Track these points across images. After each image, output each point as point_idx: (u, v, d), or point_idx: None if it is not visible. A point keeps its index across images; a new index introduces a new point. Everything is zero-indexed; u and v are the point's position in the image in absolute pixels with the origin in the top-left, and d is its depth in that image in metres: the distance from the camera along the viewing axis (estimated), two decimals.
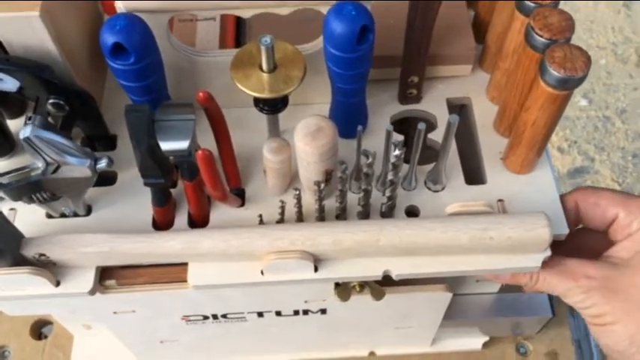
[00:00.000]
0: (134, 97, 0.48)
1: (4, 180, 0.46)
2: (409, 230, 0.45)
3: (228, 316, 0.55)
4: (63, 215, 0.51)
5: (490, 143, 0.54)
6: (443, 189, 0.51)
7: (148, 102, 0.48)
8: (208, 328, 0.57)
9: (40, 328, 0.72)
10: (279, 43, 0.47)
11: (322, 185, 0.46)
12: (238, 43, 0.59)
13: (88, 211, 0.51)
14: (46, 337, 0.70)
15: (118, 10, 0.46)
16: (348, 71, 0.46)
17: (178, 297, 0.51)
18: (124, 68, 0.44)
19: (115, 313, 0.53)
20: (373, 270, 0.47)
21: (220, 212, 0.51)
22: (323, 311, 0.56)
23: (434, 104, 0.57)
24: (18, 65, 0.46)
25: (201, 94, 0.44)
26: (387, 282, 0.50)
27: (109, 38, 0.43)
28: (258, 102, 0.49)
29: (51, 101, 0.48)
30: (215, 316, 0.55)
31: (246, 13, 0.47)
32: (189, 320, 0.56)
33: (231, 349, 0.64)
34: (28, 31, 0.46)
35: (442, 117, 0.56)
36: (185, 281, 0.48)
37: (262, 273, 0.47)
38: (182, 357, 0.66)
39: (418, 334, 0.65)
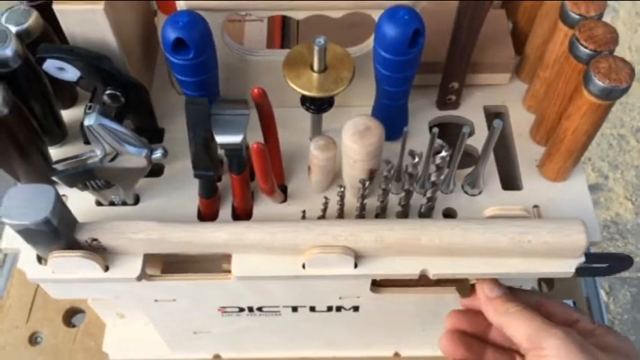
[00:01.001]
0: (188, 91, 0.49)
1: (60, 167, 0.48)
2: (450, 230, 0.47)
3: (263, 309, 0.57)
4: (112, 203, 0.52)
5: (526, 151, 0.56)
6: (480, 193, 0.53)
7: (201, 97, 0.49)
8: (242, 320, 0.59)
9: (71, 316, 0.73)
10: (330, 45, 0.48)
11: (367, 183, 0.47)
12: (284, 44, 0.61)
13: (136, 200, 0.52)
14: (74, 326, 0.72)
15: (179, 7, 0.48)
16: (397, 74, 0.48)
17: (219, 287, 0.52)
18: (183, 63, 0.46)
19: (156, 301, 0.54)
20: (411, 268, 0.49)
21: (263, 207, 0.52)
22: (355, 308, 0.57)
23: (471, 111, 0.58)
24: (80, 56, 0.47)
25: (255, 90, 0.45)
26: (421, 282, 0.51)
27: (171, 33, 0.44)
28: (305, 101, 0.51)
29: (108, 92, 0.49)
30: (251, 309, 0.57)
31: (299, 15, 0.49)
32: (226, 312, 0.57)
33: (260, 343, 0.66)
34: (91, 23, 0.48)
35: (479, 124, 0.57)
36: (228, 272, 0.50)
37: (304, 267, 0.48)
38: (213, 348, 0.67)
39: None
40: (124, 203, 0.52)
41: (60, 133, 0.55)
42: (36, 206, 0.43)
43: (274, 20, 0.61)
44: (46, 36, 0.51)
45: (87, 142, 0.55)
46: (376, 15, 0.49)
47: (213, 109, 0.45)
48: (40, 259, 0.49)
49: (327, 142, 0.48)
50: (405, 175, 0.48)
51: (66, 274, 0.48)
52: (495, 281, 0.49)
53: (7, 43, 0.45)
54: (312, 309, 0.57)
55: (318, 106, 0.51)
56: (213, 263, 0.53)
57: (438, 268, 0.48)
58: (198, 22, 0.45)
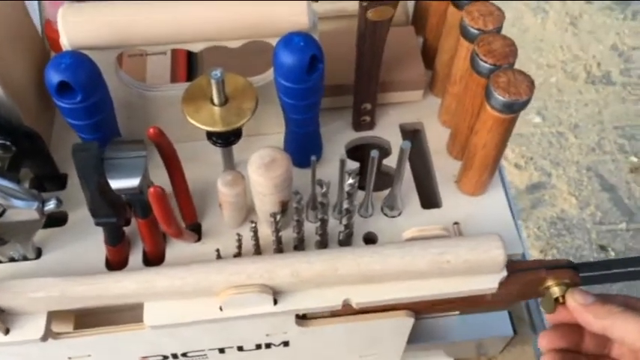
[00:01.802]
0: (83, 135, 0.47)
1: None
2: (367, 257, 0.45)
3: (188, 354, 0.54)
4: (12, 260, 0.49)
5: (444, 167, 0.55)
6: (399, 214, 0.52)
7: (97, 139, 0.47)
8: None
9: None
10: (229, 76, 0.47)
11: (278, 216, 0.45)
12: (190, 76, 0.59)
13: (38, 254, 0.49)
14: None
15: (63, 48, 0.45)
16: (300, 101, 0.46)
17: (137, 338, 0.49)
18: (70, 107, 0.43)
19: (69, 358, 0.51)
20: (333, 299, 0.47)
21: (176, 248, 0.50)
22: (285, 344, 0.55)
23: (388, 130, 0.57)
24: None
25: (151, 129, 0.43)
26: (349, 310, 0.50)
27: (54, 77, 0.42)
28: (211, 135, 0.49)
29: None
30: (175, 356, 0.54)
31: (195, 47, 0.47)
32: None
33: None
34: None
35: (396, 143, 0.56)
36: (139, 322, 0.47)
37: (221, 309, 0.46)
38: None
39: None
40: (25, 258, 0.49)
41: None
42: None
43: (178, 53, 0.59)
44: None
45: None
46: (274, 42, 0.47)
47: (107, 153, 0.42)
48: None
49: (235, 177, 0.46)
50: (318, 204, 0.47)
51: None
52: (583, 290, 0.48)
53: None
54: (240, 349, 0.55)
55: (224, 139, 0.49)
56: (132, 311, 0.50)
57: (360, 296, 0.47)
58: (84, 63, 0.43)
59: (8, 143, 0.47)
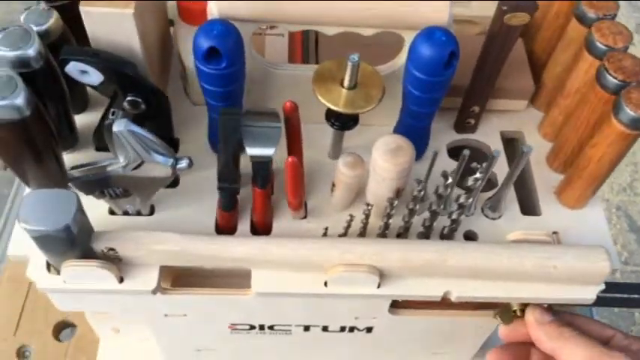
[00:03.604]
0: (214, 101, 0.48)
1: (77, 173, 0.47)
2: (476, 253, 0.47)
3: (275, 327, 0.55)
4: (125, 213, 0.50)
5: (543, 177, 0.56)
6: (500, 217, 0.53)
7: (225, 107, 0.48)
8: (250, 339, 0.57)
9: (60, 331, 0.71)
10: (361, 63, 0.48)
11: (395, 202, 0.46)
12: (304, 59, 0.61)
13: (152, 211, 0.51)
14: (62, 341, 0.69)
15: (210, 16, 0.47)
16: (427, 94, 0.47)
17: (235, 303, 0.51)
18: (214, 72, 0.45)
19: (165, 315, 0.52)
20: (434, 290, 0.48)
21: (282, 222, 0.51)
22: (369, 330, 0.56)
23: (488, 135, 0.58)
24: (106, 60, 0.46)
25: (288, 103, 0.45)
26: (440, 304, 0.51)
27: (204, 42, 0.43)
28: (330, 117, 0.50)
29: (129, 98, 0.48)
30: (262, 327, 0.55)
31: (330, 31, 0.48)
32: (236, 329, 0.55)
33: None
34: (119, 27, 0.46)
35: (497, 148, 0.57)
36: (246, 288, 0.48)
37: (326, 284, 0.47)
38: None
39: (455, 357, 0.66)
40: (139, 213, 0.51)
41: (72, 139, 0.53)
42: (56, 212, 0.41)
43: (295, 36, 0.61)
44: (65, 38, 0.49)
45: (98, 149, 0.54)
46: (407, 34, 0.49)
47: (245, 121, 0.44)
48: (49, 268, 0.47)
49: (356, 160, 0.47)
50: (433, 196, 0.48)
51: (78, 284, 0.46)
52: (544, 307, 0.49)
53: (31, 43, 0.44)
54: (325, 329, 0.56)
55: (343, 122, 0.50)
56: (221, 279, 0.52)
57: (460, 290, 0.48)
58: (232, 32, 0.44)
59: (139, 100, 0.48)
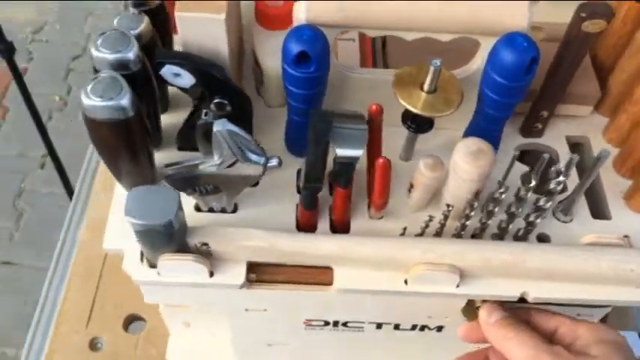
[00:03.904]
0: (297, 104, 0.50)
1: (170, 171, 0.49)
2: (553, 255, 0.48)
3: (349, 324, 0.57)
4: (210, 210, 0.53)
5: (611, 182, 0.57)
6: (571, 220, 0.54)
7: (306, 110, 0.51)
8: (322, 335, 0.59)
9: (129, 324, 0.73)
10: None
11: (475, 204, 0.48)
12: (374, 64, 0.62)
13: (235, 209, 0.53)
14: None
15: (297, 21, 0.48)
16: (506, 98, 0.49)
17: (315, 299, 0.52)
18: (302, 76, 0.47)
19: (246, 310, 0.54)
20: (511, 290, 0.49)
21: (360, 222, 0.53)
22: (439, 329, 0.58)
23: (553, 140, 0.60)
24: (199, 63, 0.48)
25: (374, 106, 0.47)
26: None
27: (295, 47, 0.46)
28: (407, 119, 0.52)
29: (216, 100, 0.50)
30: (336, 323, 0.57)
31: (409, 36, 0.50)
32: (310, 325, 0.57)
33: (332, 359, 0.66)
34: (209, 31, 0.49)
35: (563, 153, 0.59)
36: (328, 284, 0.50)
37: (406, 283, 0.49)
38: None
39: None
40: (223, 210, 0.53)
41: (158, 138, 0.55)
42: (159, 208, 0.43)
43: (365, 41, 0.63)
44: (154, 41, 0.52)
45: (180, 149, 0.56)
46: (484, 40, 0.50)
47: (334, 122, 0.45)
48: (141, 260, 0.49)
49: (436, 162, 0.49)
50: (509, 198, 0.49)
51: (172, 277, 0.48)
52: (495, 304, 0.49)
53: (130, 46, 0.46)
54: (397, 327, 0.57)
55: (419, 125, 0.52)
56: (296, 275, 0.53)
57: (537, 291, 0.49)
58: (321, 37, 0.46)
59: (225, 102, 0.50)
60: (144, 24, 0.50)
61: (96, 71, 0.47)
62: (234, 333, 0.59)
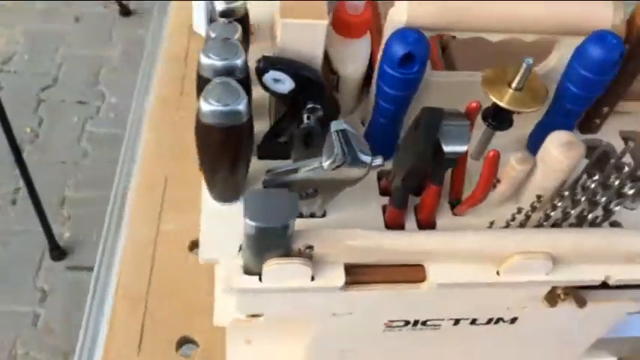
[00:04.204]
0: (388, 105, 0.52)
1: (270, 176, 0.49)
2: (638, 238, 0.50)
3: (428, 322, 0.58)
4: (300, 215, 0.53)
5: None
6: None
7: (397, 110, 0.52)
8: (399, 337, 0.59)
9: (180, 347, 0.71)
10: None
11: (566, 193, 0.50)
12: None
13: (323, 213, 0.53)
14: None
15: (394, 24, 0.50)
16: (589, 93, 0.52)
17: (404, 298, 0.53)
18: (404, 77, 0.48)
19: (333, 315, 0.54)
20: (596, 274, 0.51)
21: (444, 219, 0.54)
22: (513, 321, 0.59)
23: (609, 135, 0.63)
24: (298, 68, 0.49)
25: (474, 104, 0.48)
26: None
27: (400, 49, 0.47)
28: (487, 117, 0.54)
29: (309, 105, 0.51)
30: (416, 323, 0.57)
31: (494, 37, 0.52)
32: (390, 326, 0.58)
33: None
34: (309, 37, 0.49)
35: (619, 148, 0.62)
36: (420, 281, 0.51)
37: (498, 273, 0.50)
38: None
39: (567, 354, 0.69)
40: (312, 215, 0.53)
41: None
42: (277, 210, 0.43)
43: (433, 43, 0.64)
44: (245, 48, 0.52)
45: (261, 157, 0.56)
46: (563, 39, 0.53)
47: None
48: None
49: (525, 157, 0.51)
50: (597, 187, 0.52)
51: (274, 283, 0.48)
52: None
53: (238, 54, 0.47)
54: (473, 322, 0.58)
55: (500, 123, 0.54)
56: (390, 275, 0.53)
57: (619, 274, 0.51)
58: (423, 39, 0.48)
59: (318, 107, 0.51)
60: (238, 34, 0.50)
61: (200, 77, 0.47)
62: (313, 340, 0.59)
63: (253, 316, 0.59)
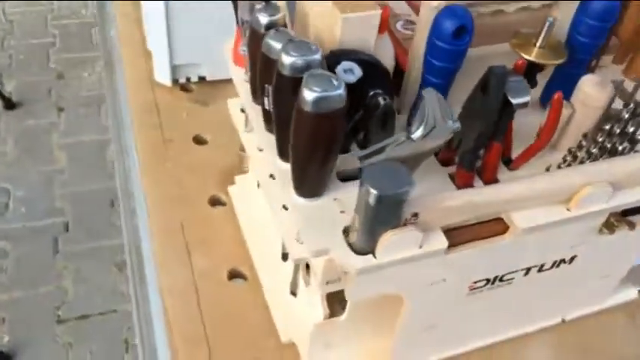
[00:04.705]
0: (437, 79, 0.56)
1: (363, 159, 0.51)
2: None
3: (504, 278, 0.61)
4: None
5: None
6: None
7: (442, 85, 0.57)
8: (478, 299, 0.62)
9: None
10: None
11: (607, 126, 0.57)
12: None
13: None
14: None
15: (436, 2, 0.54)
16: (597, 40, 0.60)
17: (491, 252, 0.57)
18: (457, 49, 0.53)
19: (431, 284, 0.57)
20: None
21: (505, 177, 0.59)
22: (571, 260, 0.64)
23: None
24: (365, 56, 0.52)
25: (520, 62, 0.54)
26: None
27: (452, 23, 0.52)
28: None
29: (372, 93, 0.54)
30: (494, 280, 0.61)
31: (510, 7, 0.59)
32: (473, 289, 0.61)
33: (474, 330, 0.69)
34: (364, 29, 0.53)
35: None
36: (503, 233, 0.55)
37: (568, 210, 0.56)
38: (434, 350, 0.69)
39: (603, 288, 0.75)
40: None
41: None
42: (395, 180, 0.46)
43: None
44: None
45: None
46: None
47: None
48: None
49: (565, 103, 0.57)
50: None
51: (387, 257, 0.50)
52: None
53: (315, 50, 0.49)
54: (540, 269, 0.63)
55: (528, 81, 0.60)
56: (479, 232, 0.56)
57: None
58: (469, 13, 0.53)
59: (380, 92, 0.54)
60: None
61: (281, 76, 0.49)
62: (404, 320, 0.60)
63: (331, 316, 0.60)
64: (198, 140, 0.92)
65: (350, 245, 0.50)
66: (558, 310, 0.75)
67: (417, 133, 0.50)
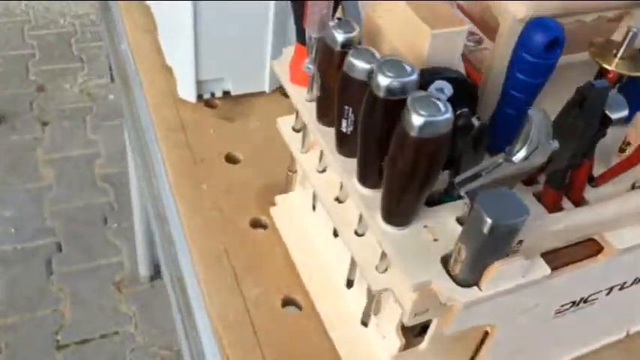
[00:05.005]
0: (523, 95, 0.53)
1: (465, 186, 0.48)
2: None
3: (589, 299, 0.59)
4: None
5: None
6: None
7: (526, 101, 0.54)
8: (561, 322, 0.60)
9: None
10: None
11: None
12: None
13: None
14: None
15: (517, 15, 0.52)
16: None
17: (582, 274, 0.54)
18: (546, 63, 0.50)
19: (522, 312, 0.54)
20: None
21: (589, 194, 0.56)
22: None
23: None
24: (456, 74, 0.49)
25: (611, 74, 0.52)
26: None
27: (544, 36, 0.49)
28: None
29: (459, 112, 0.51)
30: (579, 302, 0.58)
31: (588, 17, 0.57)
32: (559, 312, 0.58)
33: (553, 350, 0.66)
34: (451, 44, 0.50)
35: None
36: (597, 254, 0.53)
37: None
38: None
39: None
40: None
41: None
42: (510, 208, 0.43)
43: None
44: None
45: None
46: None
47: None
48: None
49: None
50: None
51: (493, 288, 0.47)
52: None
53: (412, 71, 0.47)
54: (622, 287, 0.61)
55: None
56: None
57: None
58: (560, 25, 0.50)
59: (466, 110, 0.51)
60: None
61: (374, 98, 0.46)
62: (494, 346, 0.58)
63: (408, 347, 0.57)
64: (230, 159, 0.87)
65: (452, 276, 0.47)
66: (625, 323, 0.73)
67: (519, 155, 0.47)
